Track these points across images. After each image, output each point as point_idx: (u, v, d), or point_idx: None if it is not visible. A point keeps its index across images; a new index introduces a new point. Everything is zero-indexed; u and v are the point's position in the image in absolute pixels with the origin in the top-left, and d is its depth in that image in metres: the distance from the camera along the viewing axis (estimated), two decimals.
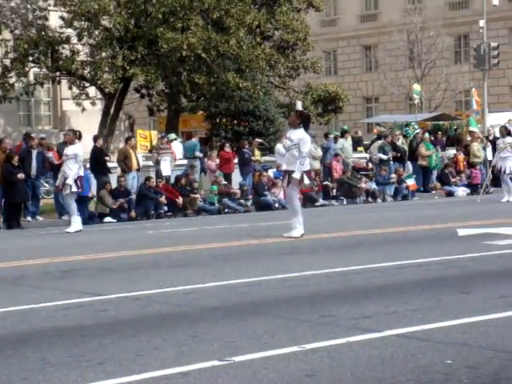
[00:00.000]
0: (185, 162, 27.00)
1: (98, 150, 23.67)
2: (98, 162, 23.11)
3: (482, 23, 40.82)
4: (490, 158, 28.74)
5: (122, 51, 29.30)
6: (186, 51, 28.48)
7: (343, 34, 56.37)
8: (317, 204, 25.24)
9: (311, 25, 40.38)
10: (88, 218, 21.25)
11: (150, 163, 25.91)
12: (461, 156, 29.77)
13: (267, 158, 28.64)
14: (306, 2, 37.29)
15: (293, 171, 14.07)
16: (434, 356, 5.60)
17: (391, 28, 49.83)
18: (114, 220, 21.78)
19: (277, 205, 24.15)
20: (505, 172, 22.68)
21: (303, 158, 14.01)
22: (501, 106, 45.37)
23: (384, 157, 28.27)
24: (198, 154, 26.51)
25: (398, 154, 28.69)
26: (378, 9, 56.22)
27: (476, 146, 28.87)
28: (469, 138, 30.64)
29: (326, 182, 26.28)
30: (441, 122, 38.05)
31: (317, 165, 27.02)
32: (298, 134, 14.08)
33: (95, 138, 24.45)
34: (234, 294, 8.49)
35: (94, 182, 23.29)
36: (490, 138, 30.07)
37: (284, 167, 14.62)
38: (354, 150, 31.28)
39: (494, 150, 29.15)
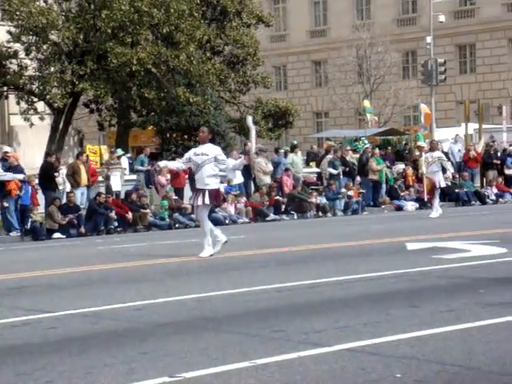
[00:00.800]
0: (134, 177, 26.88)
1: (48, 165, 23.46)
2: (47, 177, 22.90)
3: (428, 39, 41.42)
4: None
5: (70, 66, 29.12)
6: (136, 66, 28.41)
7: (293, 49, 56.71)
8: (267, 219, 25.29)
9: (261, 40, 40.55)
10: (32, 232, 21.12)
11: (100, 178, 25.73)
12: (409, 170, 30.08)
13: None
14: (256, 17, 37.44)
15: (205, 190, 13.55)
16: (384, 370, 5.63)
17: (340, 44, 50.26)
18: (64, 236, 21.57)
19: (227, 221, 24.13)
20: (437, 187, 22.65)
21: (229, 171, 13.99)
22: (448, 122, 46.00)
23: (334, 171, 28.45)
24: (139, 167, 26.44)
25: (347, 169, 28.90)
26: (327, 24, 56.70)
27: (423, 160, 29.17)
28: (417, 153, 30.97)
29: (276, 197, 26.35)
30: (390, 137, 38.45)
31: (267, 180, 27.09)
32: (212, 149, 13.75)
33: (47, 154, 24.25)
34: (184, 310, 8.45)
35: (42, 198, 23.08)
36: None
37: (197, 185, 13.95)
38: (308, 164, 31.42)
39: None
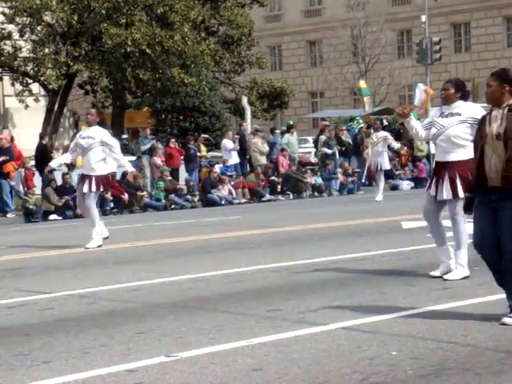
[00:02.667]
0: (129, 158, 26.84)
1: (43, 147, 23.37)
2: (43, 159, 22.89)
3: (423, 18, 41.25)
4: (433, 151, 29.06)
5: (65, 47, 29.01)
6: (131, 47, 28.31)
7: (287, 29, 56.54)
8: (263, 199, 25.31)
9: (255, 20, 40.41)
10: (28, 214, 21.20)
11: None
12: (404, 150, 30.09)
13: (213, 153, 28.62)
14: None
15: (91, 176, 12.62)
16: (380, 348, 5.67)
17: (335, 23, 50.10)
18: (60, 217, 21.58)
19: (223, 201, 24.16)
20: (379, 169, 21.78)
21: (117, 156, 12.81)
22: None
23: (329, 151, 28.45)
24: (145, 147, 26.28)
25: (343, 149, 28.90)
26: (321, 4, 56.51)
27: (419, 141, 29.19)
28: None
29: (272, 177, 26.36)
30: (384, 116, 38.42)
31: (263, 160, 27.09)
32: (99, 132, 12.84)
33: (41, 136, 24.20)
34: (180, 290, 8.49)
35: (39, 179, 23.07)
36: None
37: (84, 171, 12.98)
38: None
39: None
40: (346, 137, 29.77)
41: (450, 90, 8.41)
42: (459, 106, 8.40)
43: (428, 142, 29.32)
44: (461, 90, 8.44)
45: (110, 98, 36.37)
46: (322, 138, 29.27)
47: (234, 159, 26.70)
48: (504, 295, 6.55)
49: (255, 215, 19.48)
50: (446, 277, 8.28)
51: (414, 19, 47.50)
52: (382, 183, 22.08)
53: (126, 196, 22.60)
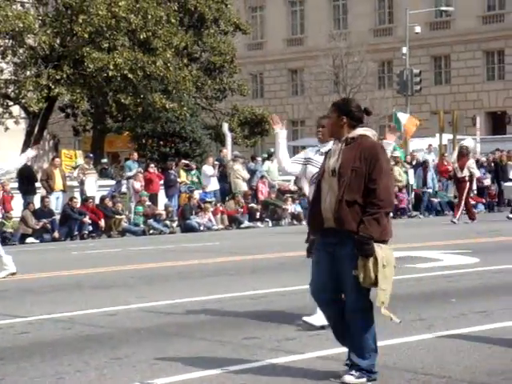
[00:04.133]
0: (108, 182, 26.79)
1: (27, 168, 23.38)
2: (26, 181, 22.87)
3: (404, 50, 41.64)
4: (411, 182, 29.26)
5: (46, 70, 29.01)
6: (113, 71, 28.35)
7: (270, 57, 56.78)
8: (242, 226, 25.29)
9: (238, 48, 40.58)
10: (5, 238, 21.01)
11: (75, 183, 25.63)
12: None
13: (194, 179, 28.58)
14: (233, 24, 37.51)
15: None
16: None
17: (317, 52, 50.37)
18: (37, 241, 21.45)
19: (202, 228, 24.11)
20: None
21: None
22: (423, 132, 46.24)
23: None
24: (129, 173, 26.16)
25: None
26: (304, 33, 56.85)
27: (398, 171, 29.34)
28: (392, 163, 31.13)
29: (251, 204, 26.36)
30: None
31: (244, 186, 27.10)
32: None
33: None
34: (157, 316, 8.45)
35: (18, 202, 22.95)
36: (413, 162, 30.57)
37: None
38: None
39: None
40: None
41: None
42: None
43: (406, 173, 29.50)
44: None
45: (90, 122, 36.34)
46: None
47: (214, 185, 26.70)
48: (480, 327, 6.58)
49: (234, 242, 19.46)
50: (304, 318, 7.52)
51: (395, 50, 47.88)
52: None
53: (102, 222, 22.57)
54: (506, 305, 8.39)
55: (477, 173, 24.00)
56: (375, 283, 5.38)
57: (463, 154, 23.65)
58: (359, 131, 5.64)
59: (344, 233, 5.44)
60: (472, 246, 15.05)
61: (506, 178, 29.54)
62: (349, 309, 5.61)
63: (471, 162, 23.57)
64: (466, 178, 23.00)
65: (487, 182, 30.22)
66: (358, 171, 5.44)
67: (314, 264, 5.73)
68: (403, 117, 34.31)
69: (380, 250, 5.38)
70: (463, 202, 23.02)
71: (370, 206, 5.39)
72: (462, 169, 23.10)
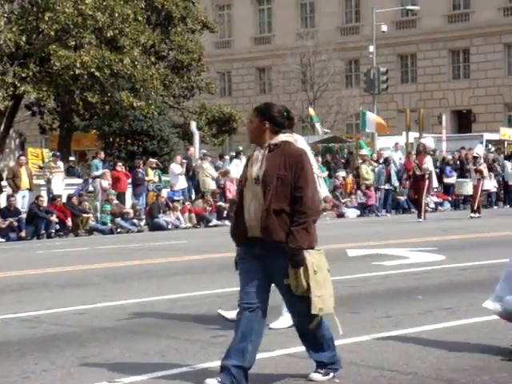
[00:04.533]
0: (74, 181, 26.64)
1: None
2: None
3: (371, 49, 41.84)
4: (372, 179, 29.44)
5: (12, 68, 28.79)
6: (79, 69, 28.19)
7: (237, 55, 56.78)
8: (210, 224, 25.28)
9: (206, 46, 40.53)
10: None
11: (42, 182, 25.47)
12: (349, 178, 30.33)
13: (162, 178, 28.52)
14: (201, 23, 37.46)
15: None
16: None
17: (284, 51, 50.44)
18: (3, 240, 21.28)
19: (170, 226, 24.07)
20: None
21: None
22: (390, 130, 46.52)
23: None
24: (95, 173, 26.04)
25: None
26: (271, 32, 56.92)
27: (365, 169, 29.48)
28: (359, 161, 31.30)
29: (219, 203, 26.35)
30: (331, 144, 38.73)
31: (213, 185, 27.08)
32: None
33: None
34: (124, 315, 8.42)
35: None
36: (381, 160, 30.74)
37: None
38: None
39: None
40: None
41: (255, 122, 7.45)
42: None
43: (373, 170, 29.66)
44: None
45: (57, 120, 36.10)
46: None
47: (182, 184, 26.65)
48: (445, 324, 6.64)
49: (202, 240, 19.45)
50: (271, 325, 7.35)
51: (362, 49, 48.09)
52: None
53: (69, 221, 22.44)
54: (472, 302, 8.46)
55: (430, 167, 23.81)
56: (308, 290, 5.25)
57: (420, 152, 23.69)
58: (282, 137, 5.43)
59: (271, 243, 5.26)
60: (438, 243, 15.18)
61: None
62: (293, 314, 5.59)
63: (427, 160, 23.48)
64: (426, 176, 23.07)
65: (453, 180, 30.46)
66: (284, 179, 5.27)
67: (243, 273, 5.46)
68: (371, 116, 34.52)
69: (309, 255, 5.27)
70: (423, 201, 23.19)
71: (297, 215, 5.24)
72: (420, 167, 23.12)
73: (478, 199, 24.57)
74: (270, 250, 5.28)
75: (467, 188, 25.15)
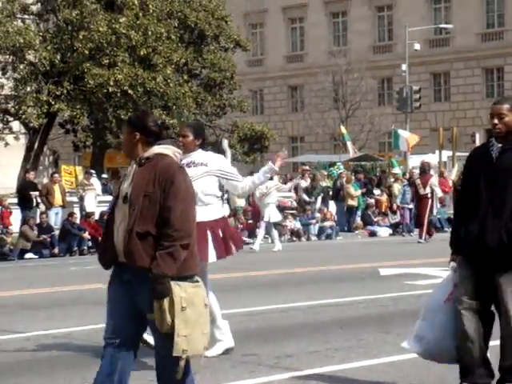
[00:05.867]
0: (108, 198, 26.81)
1: (27, 183, 23.39)
2: (25, 195, 22.89)
3: (404, 67, 41.77)
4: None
5: (47, 86, 29.06)
6: (113, 87, 28.40)
7: (270, 73, 56.95)
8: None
9: (238, 64, 40.66)
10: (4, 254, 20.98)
11: (74, 199, 25.65)
12: (383, 197, 30.21)
13: None
14: (234, 41, 37.59)
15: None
16: None
17: (317, 69, 50.51)
18: (36, 256, 21.42)
19: None
20: (268, 220, 21.00)
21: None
22: (422, 149, 46.31)
23: (307, 198, 28.48)
24: None
25: (322, 194, 28.97)
26: (303, 50, 57.03)
27: (397, 188, 29.32)
28: (392, 179, 31.18)
29: (250, 221, 26.33)
30: (363, 163, 38.65)
31: (242, 202, 27.10)
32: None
33: (25, 171, 24.13)
34: None
35: (17, 217, 22.93)
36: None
37: None
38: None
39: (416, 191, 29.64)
40: (326, 182, 29.88)
41: (189, 136, 7.04)
42: (200, 155, 7.06)
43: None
44: (201, 137, 7.12)
45: (90, 138, 36.34)
46: (302, 182, 29.36)
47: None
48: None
49: (232, 258, 19.41)
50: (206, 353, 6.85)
51: (395, 67, 48.02)
52: (261, 233, 21.34)
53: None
54: None
55: (439, 192, 23.31)
56: (173, 328, 4.48)
57: (425, 171, 23.07)
58: (155, 150, 4.74)
59: (137, 270, 4.59)
60: None
61: None
62: (159, 354, 4.70)
63: (434, 179, 22.98)
64: (428, 195, 22.46)
65: None
66: (152, 197, 4.60)
67: (108, 302, 4.95)
68: (404, 134, 34.40)
69: (178, 288, 4.50)
70: (426, 220, 22.45)
71: (163, 238, 4.53)
72: (424, 186, 22.48)
73: None
74: (137, 277, 4.63)
75: None
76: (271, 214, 21.08)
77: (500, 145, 5.56)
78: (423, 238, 22.28)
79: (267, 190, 21.01)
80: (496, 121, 5.56)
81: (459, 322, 5.56)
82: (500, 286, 5.44)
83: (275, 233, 21.53)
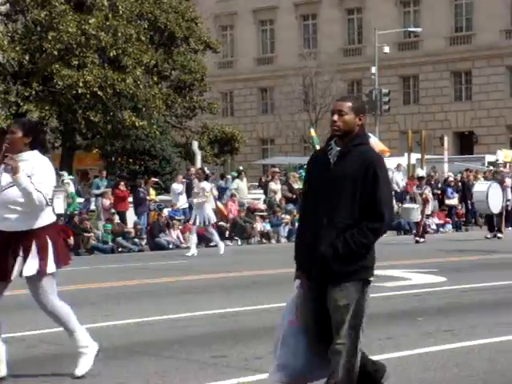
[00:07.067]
0: (79, 200, 26.68)
1: None
2: None
3: (373, 70, 42.00)
4: None
5: (15, 87, 28.89)
6: (82, 88, 28.28)
7: (240, 75, 56.97)
8: (211, 244, 25.24)
9: (208, 66, 40.66)
10: None
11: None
12: None
13: (162, 197, 28.54)
14: (204, 43, 37.58)
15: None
16: None
17: (287, 71, 50.63)
18: None
19: (171, 246, 24.03)
20: (195, 223, 20.24)
21: None
22: (391, 152, 46.54)
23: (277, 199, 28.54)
24: (95, 191, 26.16)
25: (294, 196, 29.04)
26: (274, 52, 57.12)
27: None
28: None
29: (220, 223, 26.32)
30: None
31: (213, 205, 27.04)
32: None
33: None
34: (124, 335, 8.40)
35: None
36: None
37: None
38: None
39: None
40: (298, 184, 29.95)
41: (17, 133, 6.37)
42: (28, 158, 6.31)
43: None
44: (32, 135, 6.38)
45: (59, 139, 36.17)
46: (272, 184, 29.40)
47: (183, 203, 26.66)
48: (446, 346, 6.56)
49: (202, 260, 19.42)
50: (76, 373, 6.51)
51: (365, 70, 48.27)
52: (195, 238, 20.81)
53: (71, 240, 22.41)
54: (473, 324, 8.44)
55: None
56: None
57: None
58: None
59: None
60: (439, 264, 15.15)
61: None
62: None
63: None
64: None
65: (455, 201, 30.45)
66: None
67: None
68: (372, 140, 34.51)
69: None
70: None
71: None
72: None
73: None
74: None
75: (415, 214, 23.52)
76: (210, 217, 20.45)
77: (338, 148, 5.18)
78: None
79: (197, 189, 20.51)
80: (336, 117, 5.25)
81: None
82: (333, 300, 5.01)
83: (195, 237, 20.83)
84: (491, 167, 36.02)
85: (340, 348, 5.01)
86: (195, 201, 20.52)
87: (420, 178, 24.76)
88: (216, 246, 21.27)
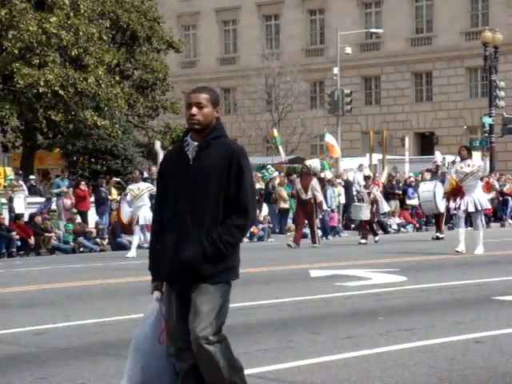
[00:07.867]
0: (37, 199, 26.46)
1: None
2: None
3: (335, 70, 42.15)
4: (342, 201, 29.56)
5: None
6: (43, 87, 28.06)
7: (202, 75, 56.85)
8: None
9: (171, 66, 40.56)
10: None
11: (3, 200, 25.23)
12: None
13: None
14: (166, 43, 37.50)
15: None
16: None
17: (249, 71, 50.68)
18: None
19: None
20: (138, 222, 20.01)
21: None
22: (353, 152, 46.83)
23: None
24: (55, 191, 25.99)
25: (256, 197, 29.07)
26: (236, 52, 57.13)
27: (336, 191, 29.55)
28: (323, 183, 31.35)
29: None
30: (296, 165, 38.88)
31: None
32: None
33: None
34: (85, 335, 8.36)
35: None
36: (342, 183, 30.90)
37: None
38: None
39: (347, 193, 29.95)
40: (260, 184, 29.98)
41: None
42: None
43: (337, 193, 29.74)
44: None
45: (20, 138, 35.85)
46: None
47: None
48: (406, 345, 6.61)
49: None
50: None
51: (327, 71, 48.44)
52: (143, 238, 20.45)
53: (32, 239, 22.22)
54: (432, 323, 8.52)
55: (319, 197, 21.76)
56: None
57: (304, 174, 21.96)
58: None
59: None
60: (400, 264, 15.26)
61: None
62: None
63: (315, 183, 21.69)
64: (312, 200, 21.31)
65: (415, 201, 30.66)
66: None
67: None
68: (331, 140, 34.75)
69: None
70: (314, 226, 21.68)
71: None
72: (305, 190, 21.24)
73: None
74: None
75: (365, 212, 22.93)
76: (146, 217, 20.01)
77: (196, 143, 4.84)
78: (317, 242, 21.62)
79: (139, 191, 20.29)
80: (195, 110, 4.89)
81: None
82: (193, 301, 4.84)
83: (136, 238, 20.46)
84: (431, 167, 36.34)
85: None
86: (129, 198, 20.40)
87: (366, 178, 24.65)
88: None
